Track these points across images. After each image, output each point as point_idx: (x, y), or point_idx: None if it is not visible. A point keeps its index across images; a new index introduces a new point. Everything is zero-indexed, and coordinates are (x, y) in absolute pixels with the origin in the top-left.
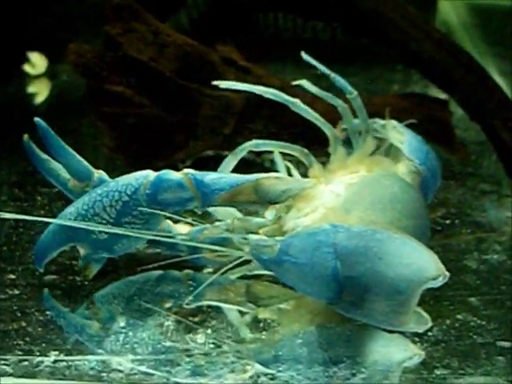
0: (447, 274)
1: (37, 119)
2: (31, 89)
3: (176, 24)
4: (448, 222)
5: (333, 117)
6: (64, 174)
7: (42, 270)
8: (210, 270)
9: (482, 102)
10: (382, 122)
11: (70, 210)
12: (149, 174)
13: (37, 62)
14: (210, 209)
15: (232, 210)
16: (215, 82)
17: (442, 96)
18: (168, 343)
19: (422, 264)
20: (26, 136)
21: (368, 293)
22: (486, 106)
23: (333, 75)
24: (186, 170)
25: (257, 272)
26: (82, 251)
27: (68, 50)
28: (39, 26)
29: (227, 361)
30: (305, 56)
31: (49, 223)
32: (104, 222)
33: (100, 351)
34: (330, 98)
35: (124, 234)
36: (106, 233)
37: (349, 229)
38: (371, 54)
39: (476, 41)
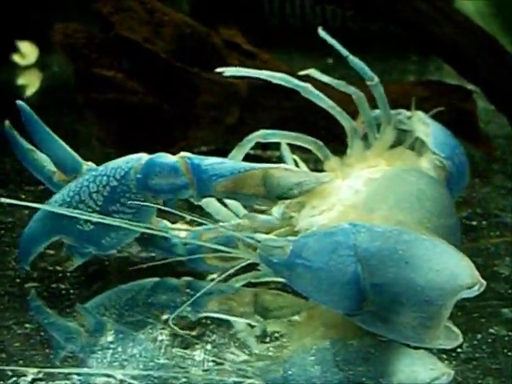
0: (484, 282)
1: (19, 103)
2: (21, 80)
3: (175, 6)
4: (474, 223)
5: (349, 110)
6: (49, 166)
7: (27, 268)
8: (214, 276)
9: (508, 91)
10: (407, 112)
11: (56, 197)
12: (142, 157)
13: (27, 52)
14: (203, 201)
15: (234, 204)
16: (219, 69)
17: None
18: (162, 360)
19: (455, 270)
20: (7, 123)
21: (393, 303)
22: None
23: (351, 57)
24: (182, 153)
25: (265, 279)
26: (66, 241)
27: (54, 30)
28: (30, 13)
29: (229, 381)
30: (321, 32)
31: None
32: (90, 210)
33: (85, 369)
34: (343, 86)
35: (111, 223)
36: (93, 223)
37: (371, 228)
38: (385, 42)
39: (493, 30)
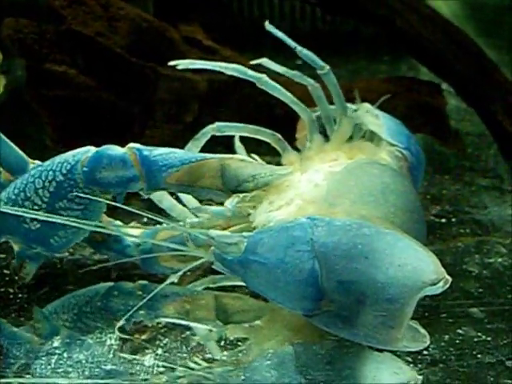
0: (449, 278)
1: None
2: None
3: (139, 5)
4: (444, 220)
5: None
6: None
7: None
8: (174, 280)
9: (479, 86)
10: (353, 106)
11: (1, 195)
12: (89, 150)
13: None
14: (156, 197)
15: (189, 199)
16: (172, 62)
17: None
18: (109, 366)
19: (418, 266)
20: None
21: (353, 301)
22: (484, 89)
23: (299, 48)
24: (131, 145)
25: (224, 283)
26: (15, 248)
27: (4, 25)
28: None
29: None
30: (268, 26)
31: None
32: (36, 208)
33: (27, 376)
34: (298, 76)
35: (58, 221)
36: (39, 221)
37: (329, 222)
38: (355, 43)
39: (469, 33)
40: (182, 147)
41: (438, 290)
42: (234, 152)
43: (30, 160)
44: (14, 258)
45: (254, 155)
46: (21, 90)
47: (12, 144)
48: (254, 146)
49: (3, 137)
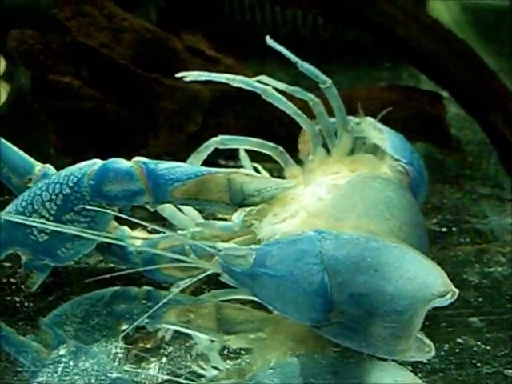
0: (456, 291)
1: None
2: None
3: (143, 16)
4: (444, 229)
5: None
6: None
7: None
8: (177, 289)
9: (479, 95)
10: (356, 119)
11: (9, 207)
12: (95, 163)
13: None
14: (160, 208)
15: (191, 212)
16: (179, 74)
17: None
18: (114, 374)
19: (426, 278)
20: None
21: (362, 313)
22: (484, 99)
23: (300, 63)
24: (137, 158)
25: (226, 297)
26: (23, 258)
27: (9, 36)
28: None
29: None
30: (269, 41)
31: None
32: (43, 220)
33: None
34: (299, 92)
35: (65, 231)
36: (47, 233)
37: (338, 236)
38: (357, 50)
39: (470, 39)
40: (185, 157)
41: (446, 302)
42: (238, 161)
43: (38, 163)
44: (21, 267)
45: (256, 165)
46: (25, 98)
47: (15, 148)
48: (255, 153)
49: (6, 142)
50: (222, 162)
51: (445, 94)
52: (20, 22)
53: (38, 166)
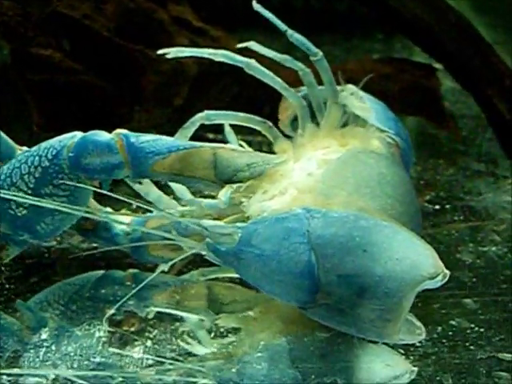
0: (447, 272)
1: None
2: None
3: None
4: (437, 207)
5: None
6: None
7: None
8: (164, 270)
9: (474, 69)
10: (338, 87)
11: None
12: (75, 135)
13: None
14: (142, 189)
15: (179, 188)
16: (160, 51)
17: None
18: (98, 358)
19: (416, 259)
20: None
21: (350, 294)
22: (480, 72)
23: (290, 32)
24: (118, 130)
25: (214, 275)
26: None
27: None
28: None
29: (169, 380)
30: (256, 5)
31: None
32: (21, 193)
33: (15, 369)
34: (288, 61)
35: (45, 205)
36: (25, 207)
37: (326, 214)
38: (349, 21)
39: (465, 10)
40: (172, 131)
41: (437, 284)
42: (223, 136)
43: (18, 146)
44: None
45: (242, 142)
46: (6, 71)
47: None
48: (243, 127)
49: None
50: (211, 136)
51: (439, 66)
52: None
53: (20, 151)
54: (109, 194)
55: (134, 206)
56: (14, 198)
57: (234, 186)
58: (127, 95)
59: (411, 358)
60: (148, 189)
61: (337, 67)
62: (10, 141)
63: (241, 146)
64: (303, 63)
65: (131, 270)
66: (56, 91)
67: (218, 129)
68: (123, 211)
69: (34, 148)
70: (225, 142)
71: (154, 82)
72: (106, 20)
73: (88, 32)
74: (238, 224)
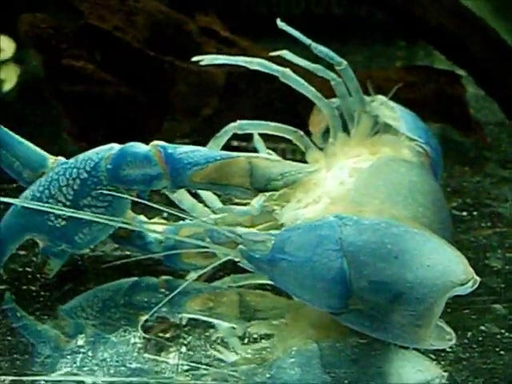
0: (478, 278)
1: None
2: None
3: None
4: (464, 213)
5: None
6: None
7: (1, 271)
8: (194, 276)
9: (499, 75)
10: (367, 98)
11: (26, 193)
12: (113, 147)
13: (4, 47)
14: (176, 197)
15: (210, 198)
16: (195, 58)
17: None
18: (134, 364)
19: (447, 266)
20: None
21: (381, 300)
22: (504, 78)
23: (314, 45)
24: (155, 142)
25: (246, 282)
26: (40, 244)
27: (20, 20)
28: (4, 6)
29: None
30: (280, 24)
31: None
32: (60, 205)
33: (53, 375)
34: (321, 70)
35: (83, 217)
36: (64, 219)
37: (358, 221)
38: (371, 28)
39: (487, 17)
40: (200, 140)
41: (467, 290)
42: (251, 142)
43: (51, 156)
44: (36, 256)
45: (270, 151)
46: (35, 80)
47: (27, 142)
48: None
49: (17, 137)
50: (235, 144)
51: (462, 73)
52: (31, 6)
53: (51, 159)
54: (145, 203)
55: (165, 215)
56: (54, 211)
57: (267, 194)
58: (157, 106)
59: (442, 363)
60: (182, 197)
61: (361, 75)
62: (40, 150)
63: (269, 153)
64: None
65: (164, 277)
66: (87, 102)
67: (242, 136)
68: (156, 219)
69: (71, 160)
70: (248, 149)
71: (184, 93)
72: (137, 32)
73: (119, 44)
74: (272, 232)
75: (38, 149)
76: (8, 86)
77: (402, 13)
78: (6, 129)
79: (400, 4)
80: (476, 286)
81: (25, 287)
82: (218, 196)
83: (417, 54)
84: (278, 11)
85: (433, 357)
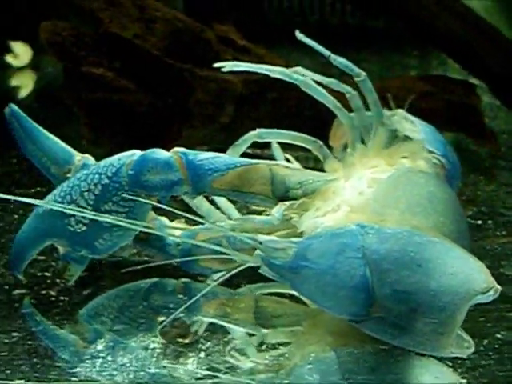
0: (499, 287)
1: (11, 105)
2: (14, 81)
3: (169, 4)
4: (479, 222)
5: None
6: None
7: (21, 277)
8: (215, 281)
9: None
10: (387, 112)
11: (48, 197)
12: (134, 153)
13: (20, 53)
14: (194, 204)
15: (226, 206)
16: (216, 65)
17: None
18: (152, 369)
19: (469, 274)
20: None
21: (403, 308)
22: None
23: (333, 56)
24: (176, 149)
25: (263, 291)
26: (60, 250)
27: (41, 28)
28: (23, 13)
29: None
30: (299, 35)
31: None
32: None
33: (73, 379)
34: (335, 84)
35: (104, 220)
36: (85, 224)
37: (380, 230)
38: (385, 37)
39: (500, 25)
40: (218, 148)
41: (489, 299)
42: (265, 150)
43: (77, 153)
44: (56, 262)
45: (289, 157)
46: (52, 87)
47: (55, 138)
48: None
49: (46, 132)
50: (249, 151)
51: (476, 82)
52: (51, 13)
53: (78, 157)
54: (164, 207)
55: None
56: (76, 213)
57: (287, 203)
58: (176, 113)
59: (459, 370)
60: (200, 203)
61: (377, 85)
62: (67, 146)
63: (287, 160)
64: (343, 79)
65: (182, 280)
66: (107, 109)
67: (256, 143)
68: (175, 223)
69: (93, 166)
70: (263, 156)
71: (202, 101)
72: (156, 40)
73: (138, 51)
74: (293, 239)
75: (65, 145)
76: (24, 92)
77: (419, 22)
78: (34, 123)
79: (416, 13)
80: (497, 294)
81: (44, 292)
82: (234, 203)
83: (430, 63)
84: (293, 20)
85: (450, 364)
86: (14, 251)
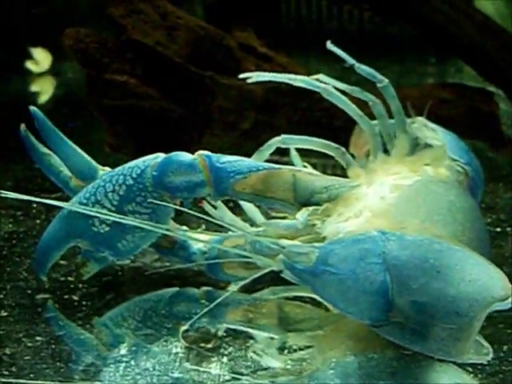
0: None
1: (33, 109)
2: (34, 87)
3: (189, 10)
4: (498, 229)
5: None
6: (66, 171)
7: (44, 279)
8: (236, 286)
9: None
10: (408, 119)
11: (73, 200)
12: (159, 155)
13: (40, 59)
14: (214, 213)
15: (250, 209)
16: (241, 76)
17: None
18: (176, 374)
19: (487, 282)
20: (23, 127)
21: (422, 314)
22: None
23: (357, 65)
24: (200, 151)
25: (284, 294)
26: (83, 247)
27: (65, 35)
28: (43, 19)
29: None
30: (329, 45)
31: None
32: (105, 211)
33: (97, 383)
34: (358, 92)
35: (128, 222)
36: (108, 225)
37: (401, 237)
38: (403, 44)
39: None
40: (240, 154)
41: (507, 306)
42: (281, 155)
43: (102, 167)
44: (78, 255)
45: (306, 164)
46: (72, 93)
47: (80, 151)
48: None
49: (71, 144)
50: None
51: (493, 89)
52: (74, 20)
53: (102, 171)
54: (188, 211)
55: (204, 227)
56: (99, 215)
57: (311, 208)
58: (197, 120)
59: (479, 376)
60: (222, 213)
61: (397, 92)
62: (92, 160)
63: (305, 167)
64: (362, 87)
65: (204, 288)
66: (129, 116)
67: (284, 151)
68: (200, 230)
69: (119, 168)
70: (280, 162)
71: (223, 107)
72: (178, 47)
73: (161, 58)
74: (315, 244)
75: (89, 158)
76: (44, 98)
77: (437, 29)
78: (61, 134)
79: (435, 20)
80: None
81: (66, 296)
82: (258, 208)
83: (448, 70)
84: (310, 27)
85: (470, 370)
86: (39, 252)
